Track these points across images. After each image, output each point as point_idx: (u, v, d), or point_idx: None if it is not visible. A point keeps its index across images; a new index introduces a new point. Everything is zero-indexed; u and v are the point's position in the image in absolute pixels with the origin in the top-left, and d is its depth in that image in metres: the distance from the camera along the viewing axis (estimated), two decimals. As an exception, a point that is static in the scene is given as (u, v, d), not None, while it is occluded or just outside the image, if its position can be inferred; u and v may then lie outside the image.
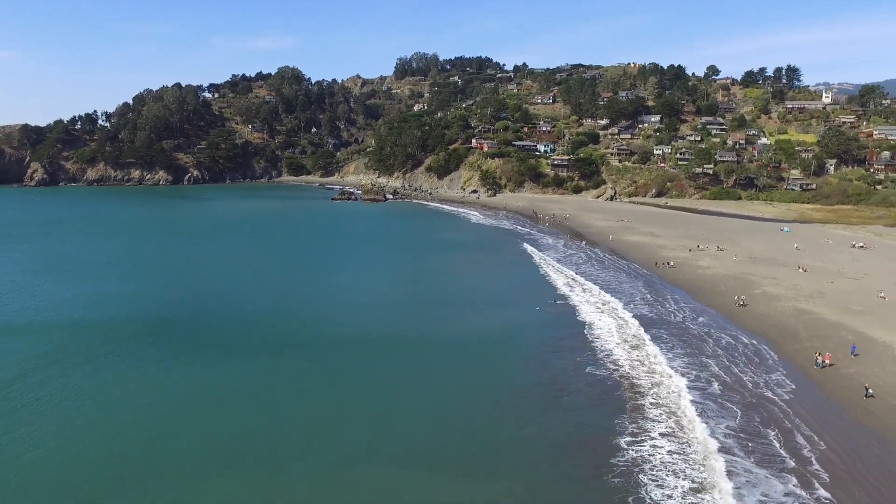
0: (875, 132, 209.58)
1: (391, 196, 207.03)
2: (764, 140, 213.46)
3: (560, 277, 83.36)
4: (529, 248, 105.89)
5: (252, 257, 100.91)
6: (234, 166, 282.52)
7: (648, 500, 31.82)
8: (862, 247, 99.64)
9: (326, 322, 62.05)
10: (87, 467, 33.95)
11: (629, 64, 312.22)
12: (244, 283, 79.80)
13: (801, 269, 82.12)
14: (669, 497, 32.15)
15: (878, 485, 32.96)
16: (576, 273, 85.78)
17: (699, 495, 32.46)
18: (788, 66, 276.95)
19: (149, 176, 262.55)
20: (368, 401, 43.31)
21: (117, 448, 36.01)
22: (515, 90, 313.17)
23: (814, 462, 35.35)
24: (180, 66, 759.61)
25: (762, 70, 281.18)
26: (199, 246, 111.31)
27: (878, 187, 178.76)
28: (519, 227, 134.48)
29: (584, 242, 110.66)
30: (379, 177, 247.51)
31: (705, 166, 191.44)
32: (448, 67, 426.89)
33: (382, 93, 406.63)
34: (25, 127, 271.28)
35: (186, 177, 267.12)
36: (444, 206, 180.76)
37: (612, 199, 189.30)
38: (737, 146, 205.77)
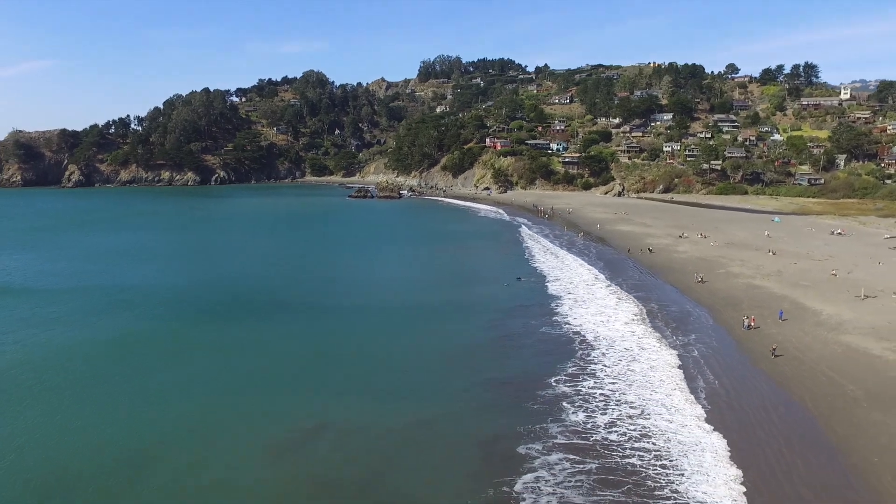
0: (889, 127, 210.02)
1: (406, 193, 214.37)
2: (776, 136, 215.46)
3: (539, 259, 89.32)
4: (521, 237, 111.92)
5: (272, 245, 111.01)
6: (259, 167, 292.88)
7: (563, 420, 37.81)
8: (840, 233, 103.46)
9: (324, 294, 71.00)
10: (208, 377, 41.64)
11: (649, 63, 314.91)
12: (267, 266, 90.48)
13: (770, 253, 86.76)
14: (582, 419, 38.11)
15: (747, 410, 38.63)
16: (554, 257, 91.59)
17: (602, 415, 38.41)
18: (806, 63, 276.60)
19: (178, 177, 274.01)
20: (349, 352, 51.19)
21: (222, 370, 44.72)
22: (535, 91, 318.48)
23: (701, 391, 41.31)
24: (212, 71, 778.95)
25: (780, 67, 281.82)
26: (230, 236, 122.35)
27: (888, 181, 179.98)
28: (519, 220, 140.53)
29: (580, 234, 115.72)
30: (397, 176, 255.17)
31: (713, 162, 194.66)
32: (471, 70, 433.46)
33: (406, 95, 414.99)
34: (63, 132, 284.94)
35: (213, 177, 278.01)
36: (454, 202, 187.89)
37: (619, 195, 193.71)
38: (747, 143, 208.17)
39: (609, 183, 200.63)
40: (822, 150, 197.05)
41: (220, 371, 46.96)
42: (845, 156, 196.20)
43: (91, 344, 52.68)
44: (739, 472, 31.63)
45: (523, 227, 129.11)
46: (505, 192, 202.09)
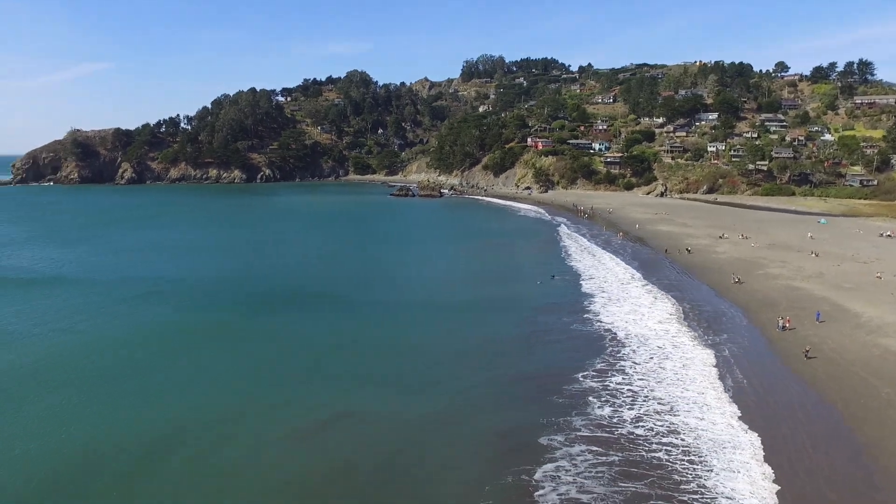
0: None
1: (446, 192, 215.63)
2: (827, 136, 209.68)
3: (576, 258, 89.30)
4: (559, 236, 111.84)
5: (313, 241, 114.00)
6: (303, 166, 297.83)
7: (588, 414, 38.22)
8: (889, 236, 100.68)
9: (360, 289, 72.40)
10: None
11: (695, 62, 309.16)
12: (306, 261, 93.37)
13: (812, 255, 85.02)
14: (608, 414, 38.47)
15: (774, 409, 38.37)
16: (591, 256, 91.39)
17: (629, 410, 38.65)
18: (861, 59, 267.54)
19: (225, 175, 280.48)
20: (380, 344, 52.52)
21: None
22: (578, 91, 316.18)
23: (729, 390, 41.27)
24: (259, 72, 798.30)
25: (832, 65, 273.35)
26: (273, 232, 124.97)
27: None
28: (558, 219, 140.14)
29: (619, 233, 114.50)
30: (439, 175, 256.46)
31: (759, 163, 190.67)
32: (514, 69, 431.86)
33: (449, 95, 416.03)
34: (118, 131, 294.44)
35: (259, 175, 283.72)
36: (494, 201, 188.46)
37: (662, 195, 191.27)
38: (795, 143, 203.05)
39: (651, 183, 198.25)
40: (875, 151, 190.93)
41: (253, 359, 48.61)
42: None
43: (132, 332, 54.93)
44: (766, 470, 31.57)
45: (562, 226, 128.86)
46: (546, 191, 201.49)
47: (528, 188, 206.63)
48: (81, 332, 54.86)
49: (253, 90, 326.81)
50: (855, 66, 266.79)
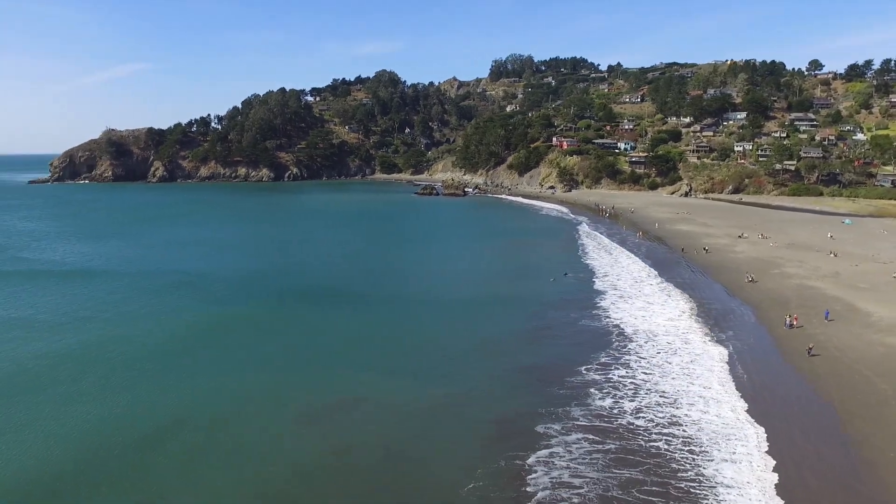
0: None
1: (471, 191, 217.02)
2: (859, 136, 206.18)
3: (592, 256, 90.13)
4: (578, 235, 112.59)
5: (338, 237, 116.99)
6: (330, 164, 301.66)
7: (588, 405, 39.41)
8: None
9: (379, 284, 74.83)
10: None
11: (725, 61, 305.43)
12: (330, 256, 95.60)
13: (831, 255, 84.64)
14: (608, 405, 39.60)
15: (770, 404, 39.14)
16: (608, 254, 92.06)
17: (630, 402, 39.70)
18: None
19: (253, 173, 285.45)
20: (394, 337, 54.56)
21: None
22: (606, 90, 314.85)
23: (728, 384, 42.03)
24: (290, 72, 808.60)
25: (868, 63, 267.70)
26: (300, 229, 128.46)
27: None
28: (579, 218, 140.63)
29: (639, 233, 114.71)
30: (465, 174, 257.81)
31: (786, 163, 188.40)
32: (543, 69, 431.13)
33: (476, 94, 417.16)
34: (150, 130, 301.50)
35: (287, 174, 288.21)
36: (518, 200, 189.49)
37: (686, 195, 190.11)
38: (825, 142, 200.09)
39: (676, 183, 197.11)
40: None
41: (272, 348, 50.97)
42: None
43: (159, 321, 57.56)
44: (761, 462, 32.44)
45: (583, 225, 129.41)
46: (569, 191, 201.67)
47: (551, 187, 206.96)
48: (110, 321, 57.65)
49: (283, 90, 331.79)
50: (892, 63, 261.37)
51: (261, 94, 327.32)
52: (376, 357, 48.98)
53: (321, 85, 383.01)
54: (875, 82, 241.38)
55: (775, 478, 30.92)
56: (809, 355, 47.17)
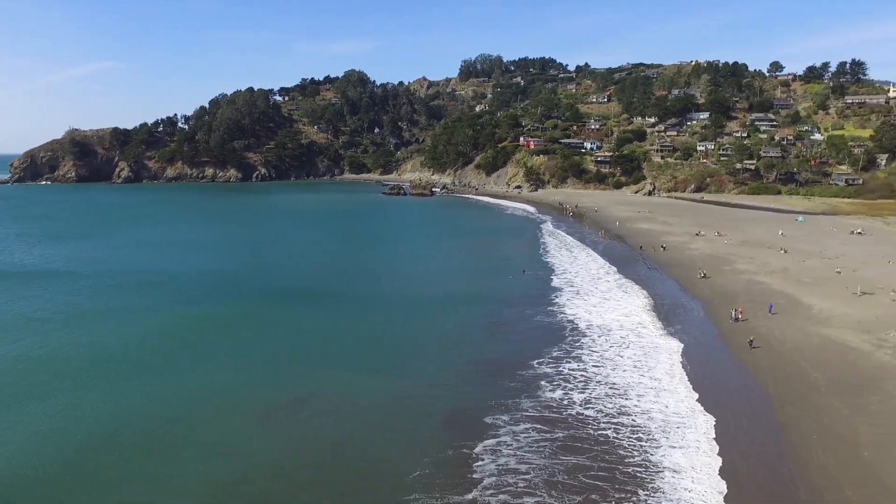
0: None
1: (438, 191, 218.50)
2: (816, 136, 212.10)
3: (553, 254, 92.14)
4: (541, 234, 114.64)
5: (303, 237, 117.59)
6: (299, 164, 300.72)
7: (538, 396, 40.95)
8: (859, 233, 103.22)
9: (341, 283, 75.61)
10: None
11: (690, 62, 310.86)
12: (295, 257, 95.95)
13: (782, 251, 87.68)
14: (558, 396, 41.14)
15: (709, 393, 41.10)
16: (568, 252, 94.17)
17: (580, 393, 41.33)
18: (854, 60, 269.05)
19: (221, 174, 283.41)
20: (352, 334, 55.62)
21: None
22: (574, 90, 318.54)
23: (676, 374, 44.04)
24: (260, 71, 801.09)
25: (826, 65, 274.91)
26: (266, 230, 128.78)
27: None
28: (543, 217, 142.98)
29: (601, 231, 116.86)
30: (433, 174, 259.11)
31: (746, 162, 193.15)
32: (512, 69, 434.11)
33: (446, 94, 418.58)
34: (115, 130, 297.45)
35: (255, 174, 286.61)
36: (484, 199, 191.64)
37: (650, 194, 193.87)
38: (783, 142, 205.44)
39: (640, 182, 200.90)
40: (863, 150, 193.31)
41: (235, 346, 51.82)
42: (887, 156, 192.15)
43: (120, 323, 57.81)
44: (703, 446, 34.27)
45: (547, 224, 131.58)
46: (536, 190, 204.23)
47: (518, 187, 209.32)
48: (69, 322, 57.77)
49: (251, 90, 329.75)
50: (848, 66, 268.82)
51: (228, 94, 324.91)
52: (336, 354, 50.07)
53: (291, 84, 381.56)
54: (832, 84, 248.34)
55: (719, 462, 32.68)
56: (751, 347, 49.38)
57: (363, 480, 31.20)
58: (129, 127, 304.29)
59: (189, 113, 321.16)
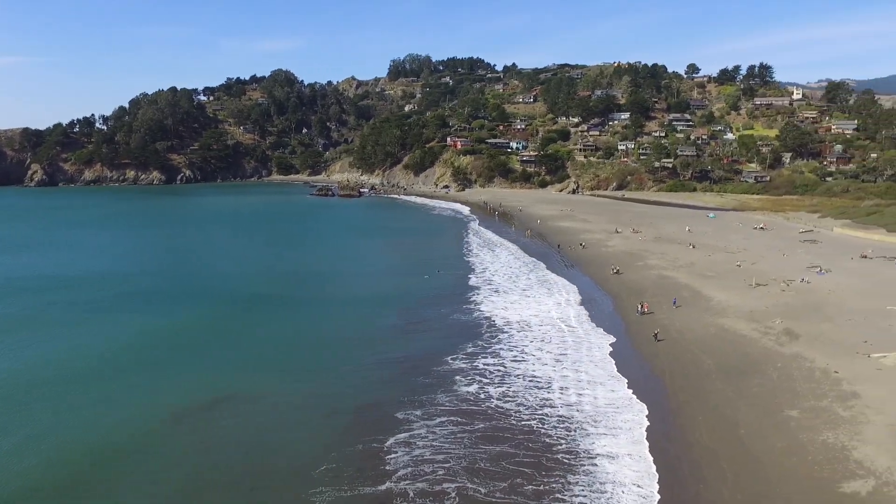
0: (833, 127, 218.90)
1: (366, 191, 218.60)
2: (729, 135, 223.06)
3: (475, 253, 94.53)
4: (466, 233, 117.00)
5: (225, 240, 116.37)
6: (225, 166, 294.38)
7: (455, 391, 42.45)
8: (762, 228, 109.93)
9: (261, 285, 75.65)
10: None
11: (613, 63, 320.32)
12: (215, 260, 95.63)
13: (690, 246, 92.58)
14: (474, 390, 42.79)
15: (615, 380, 43.73)
16: (489, 251, 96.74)
17: (497, 387, 43.13)
18: (761, 63, 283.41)
19: (143, 176, 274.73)
20: (267, 335, 56.09)
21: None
22: (501, 90, 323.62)
23: (582, 366, 46.50)
24: (184, 69, 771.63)
25: (737, 68, 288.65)
26: (187, 233, 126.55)
27: (829, 179, 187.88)
28: (469, 217, 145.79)
29: (527, 231, 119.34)
30: (361, 174, 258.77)
31: (664, 160, 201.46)
32: (441, 69, 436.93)
33: (375, 94, 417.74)
34: (26, 130, 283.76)
35: (179, 177, 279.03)
36: (412, 200, 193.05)
37: (574, 192, 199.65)
38: (699, 141, 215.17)
39: (564, 181, 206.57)
40: (770, 149, 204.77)
41: (147, 351, 51.33)
42: (790, 154, 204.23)
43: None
44: (599, 430, 36.62)
45: (472, 223, 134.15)
46: (463, 190, 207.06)
47: (446, 187, 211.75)
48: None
49: (174, 89, 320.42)
50: (756, 69, 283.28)
51: (149, 94, 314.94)
52: (249, 356, 50.41)
53: (216, 83, 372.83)
54: (742, 86, 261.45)
55: (602, 443, 35.10)
56: (657, 340, 52.30)
57: (270, 478, 31.90)
58: (42, 127, 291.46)
59: (107, 113, 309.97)
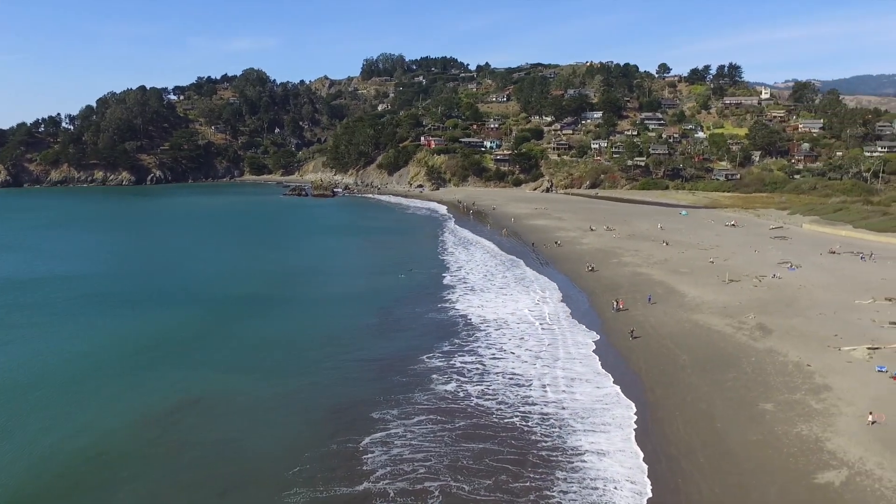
0: (800, 126, 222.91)
1: (340, 191, 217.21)
2: (700, 134, 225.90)
3: (450, 251, 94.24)
4: (440, 232, 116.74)
5: (195, 241, 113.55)
6: (196, 166, 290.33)
7: (432, 390, 42.08)
8: (733, 225, 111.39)
9: (234, 285, 74.47)
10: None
11: (586, 62, 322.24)
12: (191, 258, 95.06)
13: (664, 243, 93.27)
14: (452, 389, 42.42)
15: (588, 380, 43.71)
16: (464, 250, 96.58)
17: (476, 386, 42.87)
18: (731, 63, 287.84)
19: (112, 177, 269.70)
20: (244, 335, 55.25)
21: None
22: (475, 90, 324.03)
23: (560, 362, 46.44)
24: (153, 67, 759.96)
25: (707, 68, 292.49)
26: (158, 234, 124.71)
27: (797, 177, 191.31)
28: (444, 216, 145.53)
29: (502, 230, 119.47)
30: (335, 174, 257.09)
31: (637, 159, 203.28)
32: (414, 68, 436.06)
33: (348, 93, 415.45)
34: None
35: (149, 177, 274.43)
36: (386, 199, 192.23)
37: (548, 190, 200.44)
38: (670, 140, 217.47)
39: (538, 179, 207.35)
40: (739, 147, 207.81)
41: (118, 353, 50.13)
42: (760, 152, 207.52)
43: None
44: (576, 426, 36.52)
45: (446, 222, 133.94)
46: (437, 189, 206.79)
47: (420, 186, 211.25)
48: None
49: (143, 88, 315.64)
50: (726, 69, 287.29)
51: (118, 93, 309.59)
52: (227, 356, 49.63)
53: (186, 82, 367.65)
54: (712, 86, 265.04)
55: (577, 438, 35.08)
56: (632, 338, 52.22)
57: (243, 479, 31.27)
58: (5, 127, 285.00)
59: (74, 112, 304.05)
